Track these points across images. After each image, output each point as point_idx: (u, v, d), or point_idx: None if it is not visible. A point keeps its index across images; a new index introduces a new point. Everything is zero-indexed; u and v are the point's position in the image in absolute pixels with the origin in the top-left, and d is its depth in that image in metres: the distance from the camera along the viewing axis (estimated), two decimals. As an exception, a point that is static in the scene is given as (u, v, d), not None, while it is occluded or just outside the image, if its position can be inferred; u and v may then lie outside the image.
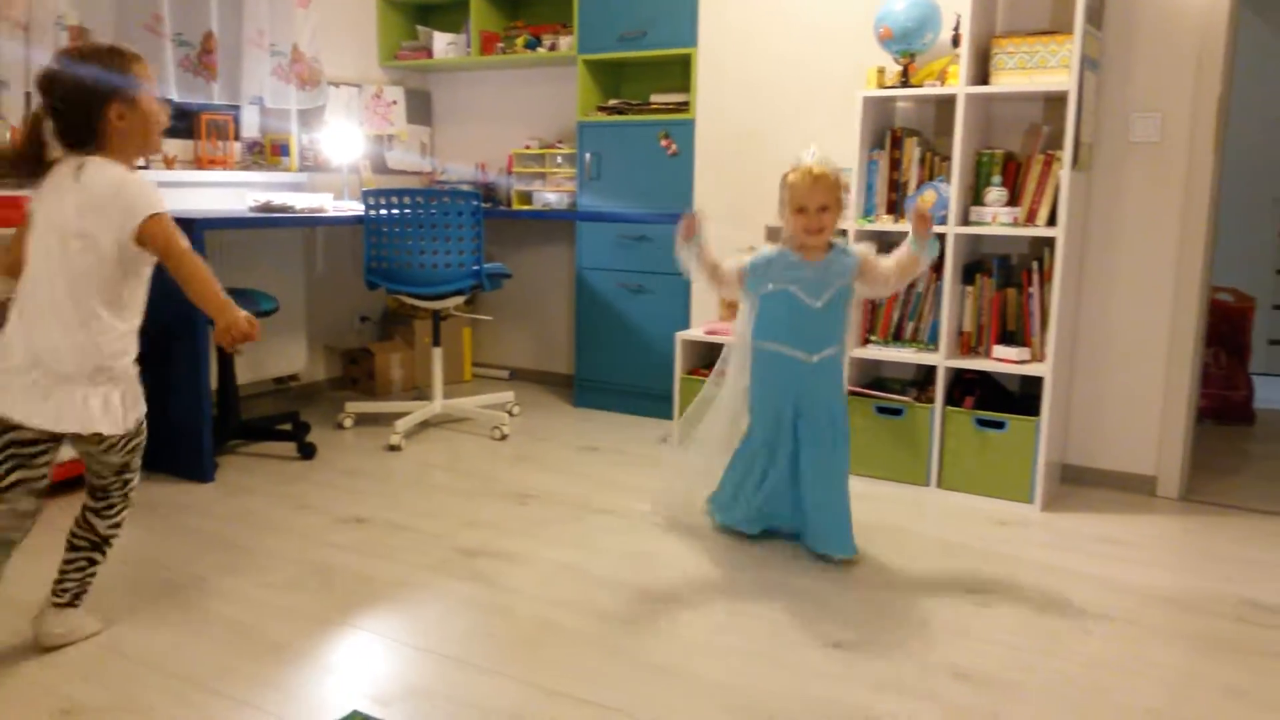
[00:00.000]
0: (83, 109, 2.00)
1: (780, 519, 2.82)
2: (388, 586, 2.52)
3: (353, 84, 4.72)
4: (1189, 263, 3.22)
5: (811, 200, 2.62)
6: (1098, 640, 2.28)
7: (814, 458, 2.71)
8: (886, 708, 1.96)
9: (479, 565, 2.65)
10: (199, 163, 4.08)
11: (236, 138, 4.25)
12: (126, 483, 2.19)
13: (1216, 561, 2.78)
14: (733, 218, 3.99)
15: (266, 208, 3.81)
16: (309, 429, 3.75)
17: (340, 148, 4.55)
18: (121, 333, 2.07)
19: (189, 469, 3.33)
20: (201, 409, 3.27)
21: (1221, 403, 4.34)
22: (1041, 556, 2.79)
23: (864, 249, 2.73)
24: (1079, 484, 3.44)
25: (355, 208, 4.08)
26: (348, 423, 4.07)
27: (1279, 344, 5.43)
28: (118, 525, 2.21)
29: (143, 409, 2.17)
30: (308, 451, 3.62)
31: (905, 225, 3.33)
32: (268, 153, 4.37)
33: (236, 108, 4.22)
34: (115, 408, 2.07)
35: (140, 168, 2.08)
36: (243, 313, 2.06)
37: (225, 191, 4.14)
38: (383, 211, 3.80)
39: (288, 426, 3.74)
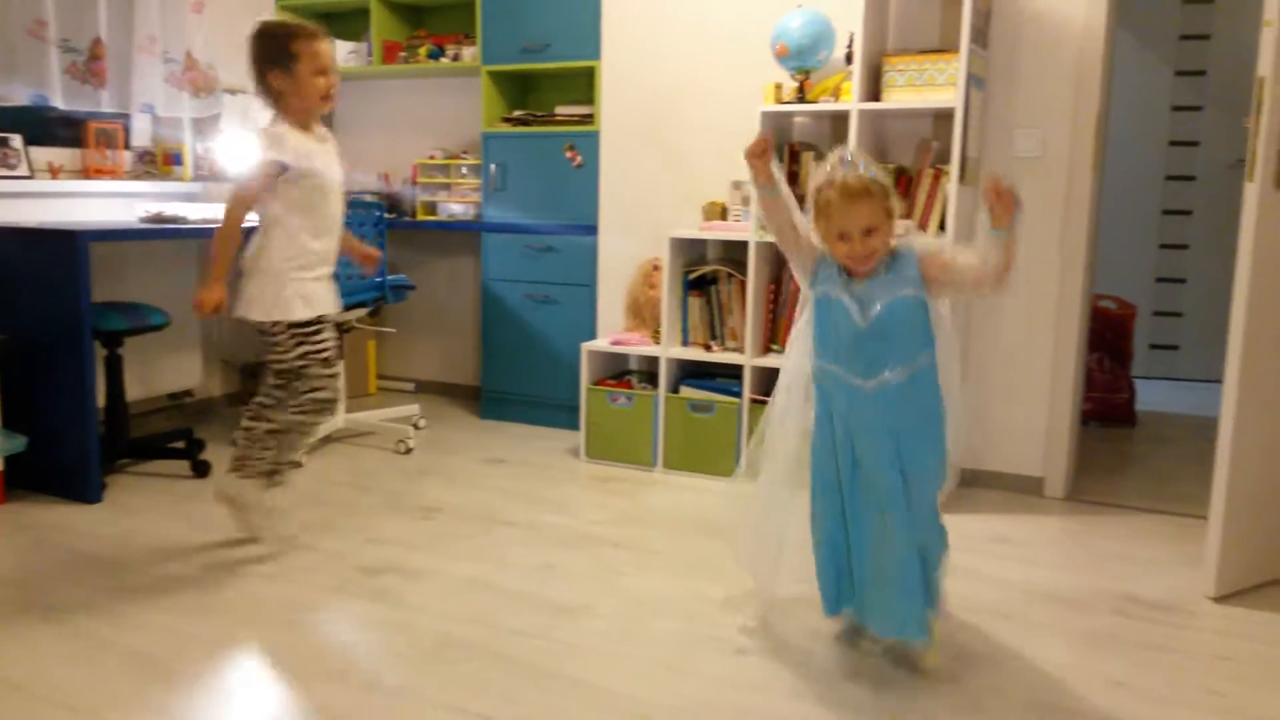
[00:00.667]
0: (255, 76, 2.67)
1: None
2: (287, 608, 2.46)
3: (250, 92, 4.61)
4: (1071, 272, 3.37)
5: (853, 224, 2.04)
6: (989, 637, 2.36)
7: (870, 509, 2.16)
8: (790, 712, 2.00)
9: (382, 583, 2.62)
10: (86, 172, 3.94)
11: (127, 146, 4.12)
12: (299, 393, 2.74)
13: (1100, 558, 2.91)
14: (638, 230, 4.03)
15: (158, 218, 3.70)
16: (204, 446, 3.64)
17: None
18: (269, 244, 2.69)
19: (74, 489, 3.21)
20: (86, 425, 3.15)
21: (1105, 405, 4.54)
22: (936, 558, 2.88)
23: (925, 244, 2.19)
24: (971, 486, 3.56)
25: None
26: (246, 439, 3.97)
27: (1159, 349, 5.72)
28: (301, 418, 2.77)
29: (276, 314, 2.67)
30: (202, 469, 3.52)
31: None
32: (160, 162, 4.24)
33: (126, 116, 4.09)
34: (251, 300, 2.68)
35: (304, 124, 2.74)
36: (215, 295, 2.63)
37: (114, 202, 4.01)
38: (281, 223, 3.71)
39: (181, 444, 3.63)
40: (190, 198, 4.27)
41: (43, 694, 2.02)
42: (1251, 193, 2.48)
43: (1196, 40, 5.49)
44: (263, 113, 2.75)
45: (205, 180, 4.37)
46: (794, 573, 2.39)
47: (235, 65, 4.50)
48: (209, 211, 3.86)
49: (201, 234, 3.81)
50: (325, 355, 2.75)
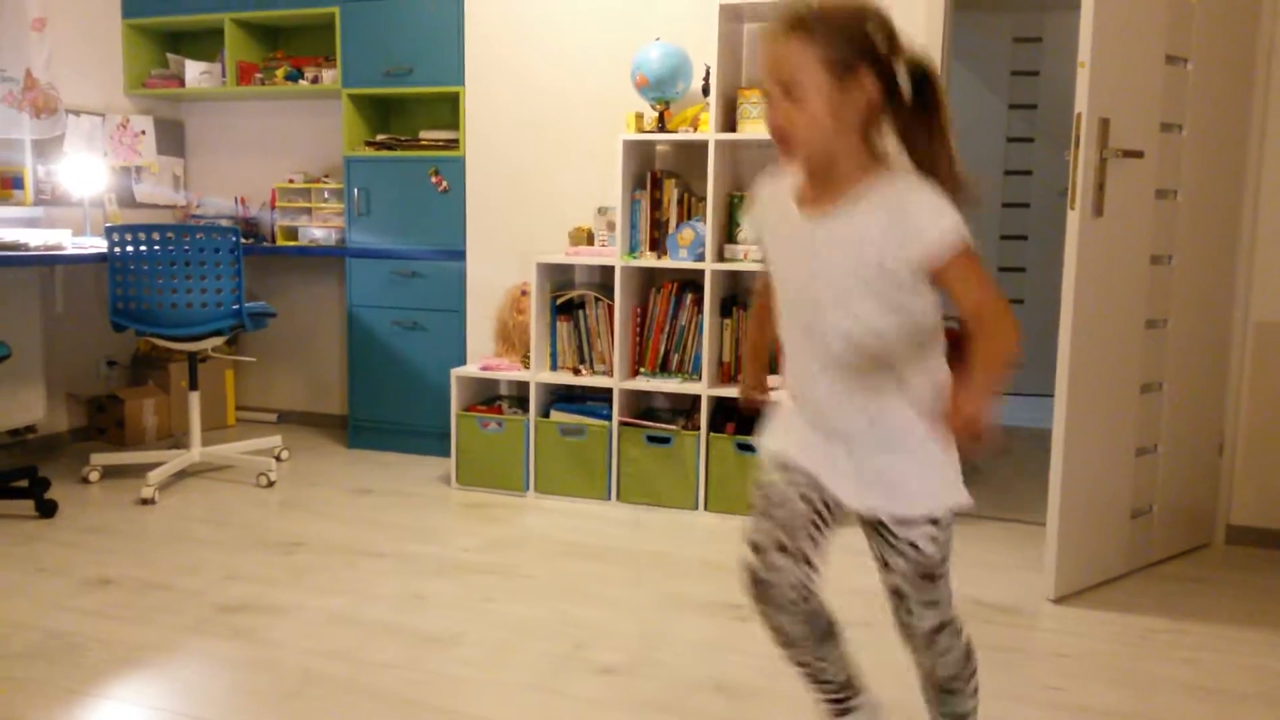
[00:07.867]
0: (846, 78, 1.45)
1: None
2: (138, 651, 2.36)
3: (96, 113, 4.43)
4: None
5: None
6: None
7: None
8: (653, 728, 2.05)
9: (240, 621, 2.54)
10: (-88, 196, 3.71)
11: (-42, 169, 3.90)
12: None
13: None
14: (506, 255, 4.04)
15: (-5, 245, 3.51)
16: (48, 484, 3.46)
17: (82, 180, 4.26)
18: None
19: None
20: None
21: (954, 419, 4.77)
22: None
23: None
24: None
25: (98, 244, 3.82)
26: (94, 476, 3.78)
27: (1003, 364, 6.04)
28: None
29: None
30: (47, 509, 3.34)
31: (668, 262, 3.50)
32: (-4, 186, 4.03)
33: (-42, 137, 3.88)
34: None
35: None
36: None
37: (-55, 228, 3.78)
38: (129, 248, 3.58)
39: (24, 483, 3.43)
40: (31, 222, 4.07)
41: None
42: (1073, 220, 2.68)
43: (1027, 76, 5.88)
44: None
45: (47, 204, 4.17)
46: None
47: (81, 86, 4.35)
48: (52, 237, 3.69)
49: (44, 260, 3.64)
50: None
